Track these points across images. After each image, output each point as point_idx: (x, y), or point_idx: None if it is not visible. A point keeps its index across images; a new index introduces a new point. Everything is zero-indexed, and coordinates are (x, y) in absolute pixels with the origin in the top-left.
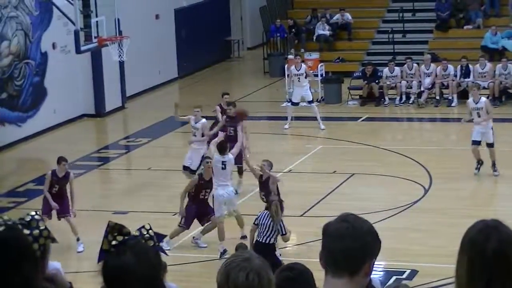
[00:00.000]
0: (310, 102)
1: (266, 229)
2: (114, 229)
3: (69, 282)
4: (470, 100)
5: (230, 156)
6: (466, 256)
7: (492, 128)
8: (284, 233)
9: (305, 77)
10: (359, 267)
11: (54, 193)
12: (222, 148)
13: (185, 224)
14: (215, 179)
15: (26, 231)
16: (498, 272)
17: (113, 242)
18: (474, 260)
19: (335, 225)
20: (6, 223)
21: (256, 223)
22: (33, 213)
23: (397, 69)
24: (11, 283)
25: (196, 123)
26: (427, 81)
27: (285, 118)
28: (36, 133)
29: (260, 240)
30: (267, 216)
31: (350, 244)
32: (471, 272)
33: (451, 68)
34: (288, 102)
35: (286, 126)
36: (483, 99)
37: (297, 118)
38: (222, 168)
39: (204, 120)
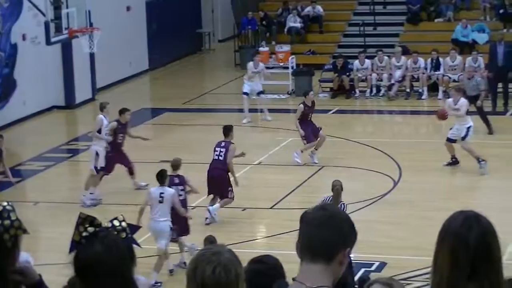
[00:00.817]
0: (259, 93)
1: None
2: (85, 221)
3: (39, 274)
4: (450, 100)
5: (168, 190)
6: (448, 247)
7: (469, 128)
8: None
9: (261, 76)
10: (334, 254)
11: None
12: (161, 176)
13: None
14: (150, 211)
15: None
16: (480, 261)
17: (84, 234)
18: (458, 250)
19: (313, 213)
20: None
21: None
22: (5, 203)
23: (367, 61)
24: None
25: (109, 123)
26: (398, 73)
27: (256, 110)
28: (5, 125)
29: None
30: (329, 201)
31: (327, 230)
32: (455, 262)
33: (421, 61)
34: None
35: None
36: (463, 99)
37: (268, 111)
38: (160, 202)
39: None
